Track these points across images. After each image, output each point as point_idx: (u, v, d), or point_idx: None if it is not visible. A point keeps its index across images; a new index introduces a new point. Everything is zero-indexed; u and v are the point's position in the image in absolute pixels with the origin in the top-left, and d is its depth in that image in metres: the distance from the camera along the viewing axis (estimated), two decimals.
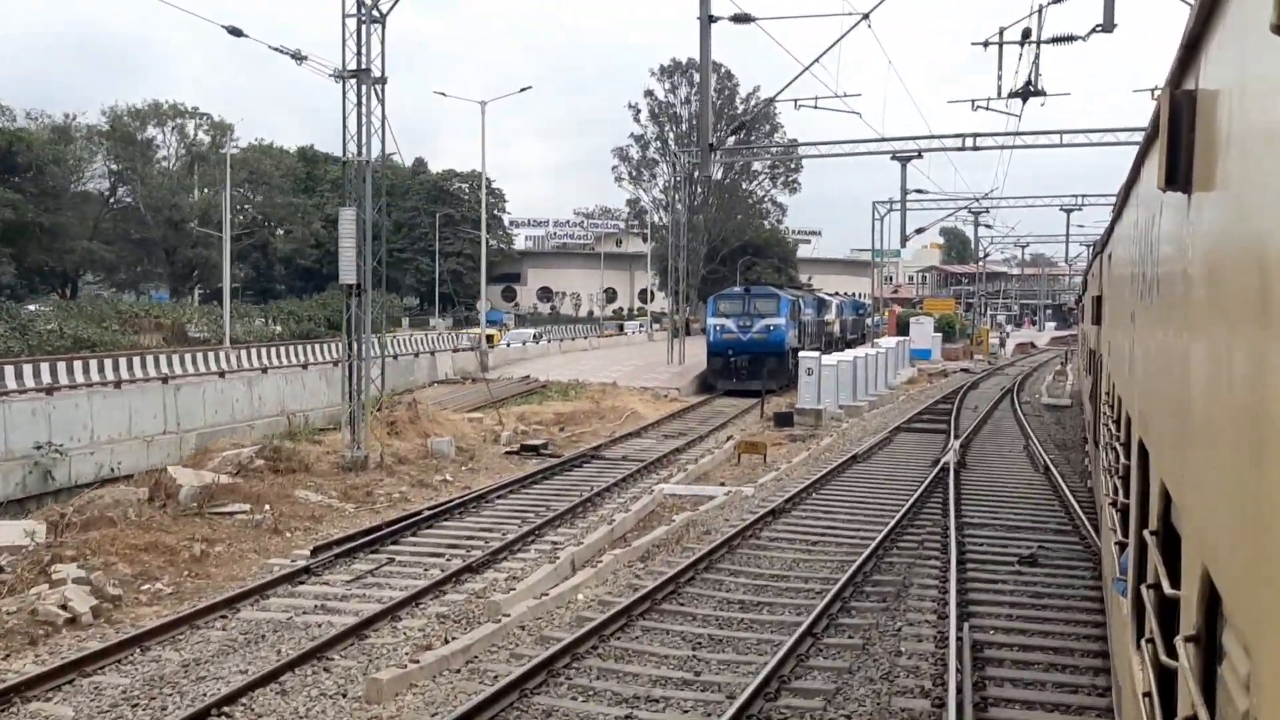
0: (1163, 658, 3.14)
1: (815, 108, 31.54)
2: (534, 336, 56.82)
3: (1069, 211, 62.48)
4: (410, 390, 37.74)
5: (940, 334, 66.76)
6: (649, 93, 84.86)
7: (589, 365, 46.71)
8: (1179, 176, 2.98)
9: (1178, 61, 3.07)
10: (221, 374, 31.83)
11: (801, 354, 31.60)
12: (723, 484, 21.59)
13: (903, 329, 68.80)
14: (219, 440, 26.49)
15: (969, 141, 42.32)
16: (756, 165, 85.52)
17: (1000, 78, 26.72)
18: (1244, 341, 2.09)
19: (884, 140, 43.32)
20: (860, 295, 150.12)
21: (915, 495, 18.70)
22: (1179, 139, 2.93)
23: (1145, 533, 3.99)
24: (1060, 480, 20.69)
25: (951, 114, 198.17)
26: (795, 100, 33.00)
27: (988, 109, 28.49)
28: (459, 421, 27.28)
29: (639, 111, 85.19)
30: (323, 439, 25.22)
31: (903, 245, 43.73)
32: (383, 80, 21.68)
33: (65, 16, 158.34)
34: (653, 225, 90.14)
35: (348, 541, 15.33)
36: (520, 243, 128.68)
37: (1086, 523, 16.46)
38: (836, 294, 79.33)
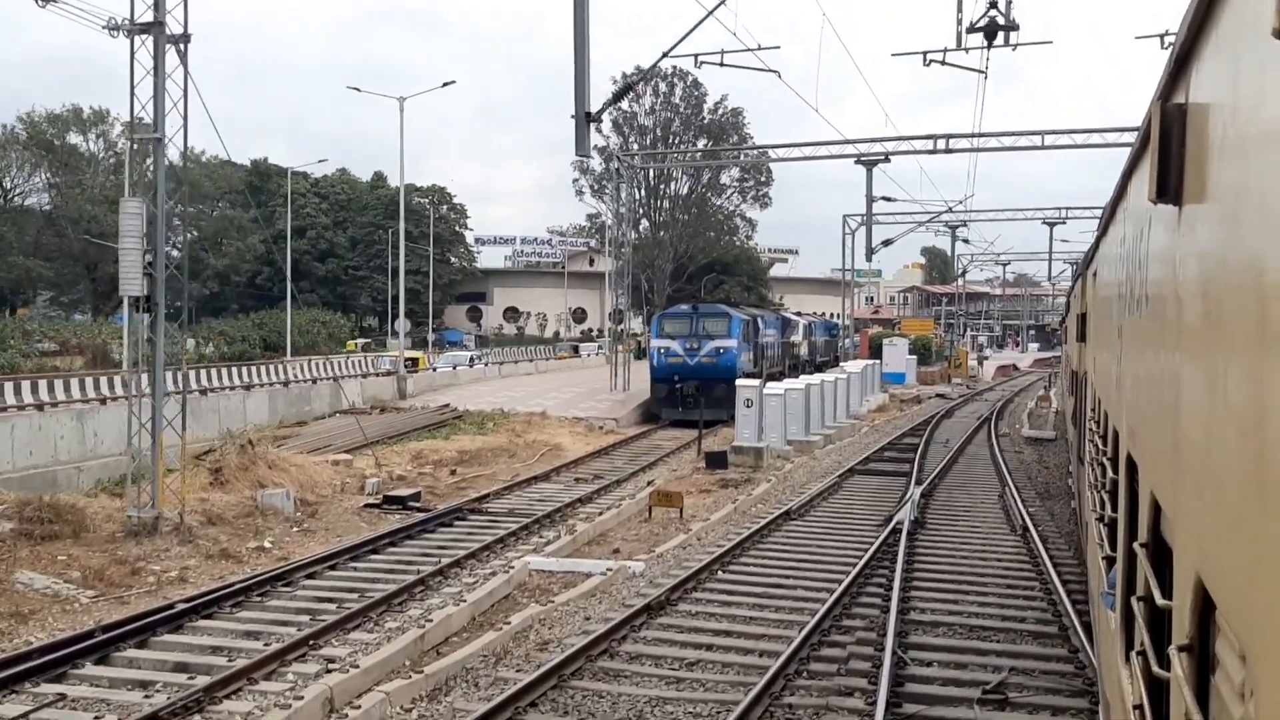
0: (1154, 668, 3.21)
1: (721, 65, 27.09)
2: (471, 359, 52.04)
3: (1052, 225, 58.33)
4: (304, 422, 33.10)
5: (915, 357, 62.39)
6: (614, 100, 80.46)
7: (525, 392, 42.13)
8: (1170, 189, 2.99)
9: (1168, 75, 3.14)
10: (40, 406, 27.06)
11: (739, 383, 27.00)
12: (615, 552, 17.03)
13: (876, 351, 64.44)
14: (34, 489, 21.77)
15: (940, 143, 38.03)
16: (725, 178, 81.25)
17: (960, 10, 22.18)
18: (1237, 352, 2.14)
19: (847, 143, 38.98)
20: (840, 315, 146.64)
21: (850, 577, 14.12)
22: (1170, 151, 2.96)
23: (1135, 545, 4.04)
24: (1042, 548, 16.18)
25: (919, 110, 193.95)
26: (696, 56, 28.62)
27: (944, 62, 23.98)
28: (316, 466, 22.58)
29: (599, 121, 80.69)
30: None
31: (868, 258, 39.34)
32: (185, 38, 17.01)
33: None
34: (618, 242, 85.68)
35: (11, 664, 10.62)
36: (487, 261, 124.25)
37: (1078, 623, 11.94)
38: (810, 314, 74.93)
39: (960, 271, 75.55)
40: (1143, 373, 4.34)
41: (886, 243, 39.31)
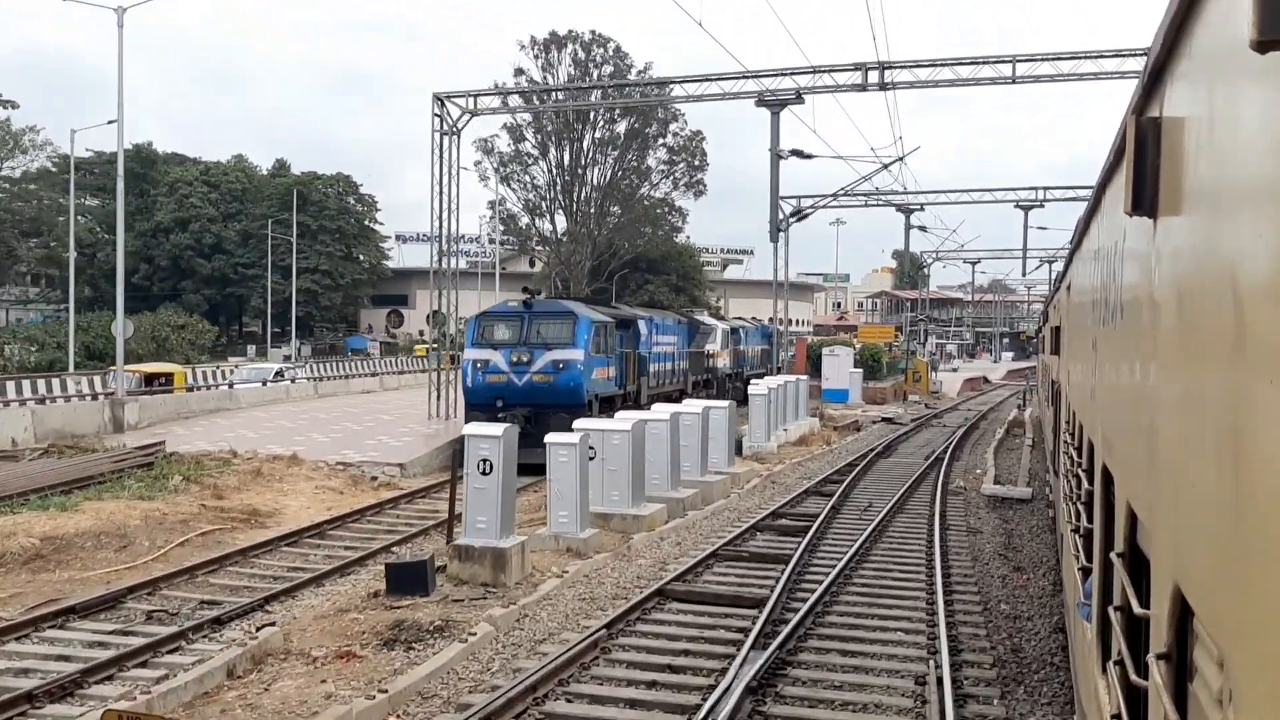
0: (1132, 677, 3.19)
1: None
2: (278, 372, 40.77)
3: (1027, 209, 47.61)
4: None
5: (861, 370, 51.56)
6: (520, 71, 69.40)
7: (311, 420, 31.01)
8: (1145, 202, 3.03)
9: (1143, 89, 3.17)
10: None
11: (469, 433, 15.48)
12: None
13: (817, 364, 53.58)
14: None
15: (873, 76, 27.15)
16: (650, 160, 70.32)
17: None
18: (1211, 363, 2.17)
19: (746, 76, 28.01)
20: (802, 322, 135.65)
21: None
22: (1145, 165, 3.00)
23: (1112, 555, 4.00)
24: None
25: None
26: None
27: None
28: None
29: (506, 96, 69.54)
30: None
31: (774, 238, 28.37)
32: None
33: None
34: (541, 235, 74.53)
35: None
36: (411, 260, 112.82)
37: None
38: (749, 319, 63.82)
39: (917, 266, 64.52)
40: (1118, 384, 4.45)
41: (799, 215, 28.47)
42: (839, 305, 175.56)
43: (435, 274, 33.48)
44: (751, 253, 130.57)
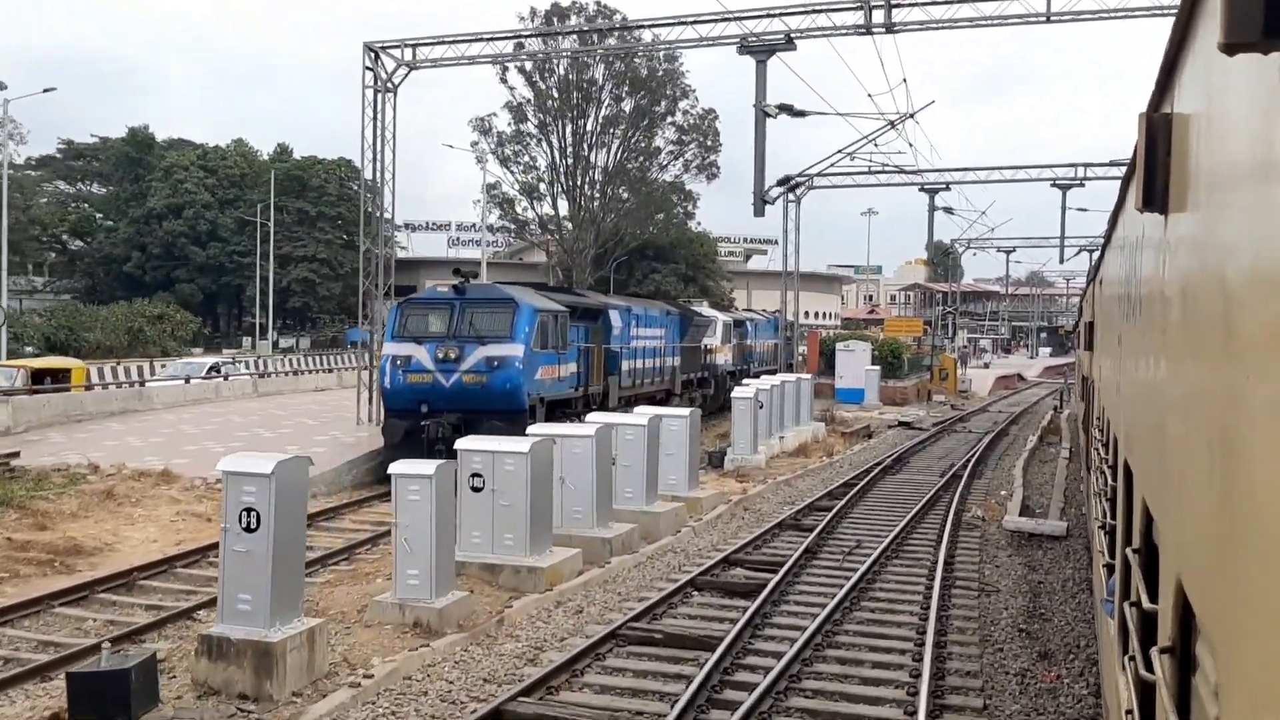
0: (1142, 672, 3.19)
1: None
2: (213, 368, 36.43)
3: (1065, 188, 42.52)
4: None
5: (879, 367, 46.67)
6: (520, 44, 64.68)
7: (222, 425, 26.78)
8: (1156, 198, 3.05)
9: (1156, 86, 3.22)
10: None
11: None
12: None
13: (831, 360, 48.82)
14: None
15: (878, 15, 22.44)
16: (658, 140, 65.62)
17: None
18: (1210, 359, 2.17)
19: (728, 17, 23.35)
20: (830, 315, 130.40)
21: None
22: (1155, 161, 3.01)
23: (1128, 551, 4.11)
24: None
25: None
26: None
27: None
28: None
29: (505, 69, 65.08)
30: None
31: (759, 210, 23.73)
32: None
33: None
34: (540, 221, 70.03)
35: None
36: (421, 249, 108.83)
37: None
38: (760, 311, 58.99)
39: (944, 252, 59.38)
40: (1136, 379, 4.55)
41: (789, 185, 23.59)
42: (870, 298, 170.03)
43: (364, 255, 29.06)
44: (776, 243, 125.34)
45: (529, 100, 65.13)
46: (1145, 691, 3.25)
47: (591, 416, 18.51)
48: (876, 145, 23.77)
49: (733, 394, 26.62)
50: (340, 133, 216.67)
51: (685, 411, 19.80)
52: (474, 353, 21.97)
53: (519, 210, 66.13)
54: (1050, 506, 20.42)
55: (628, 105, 64.99)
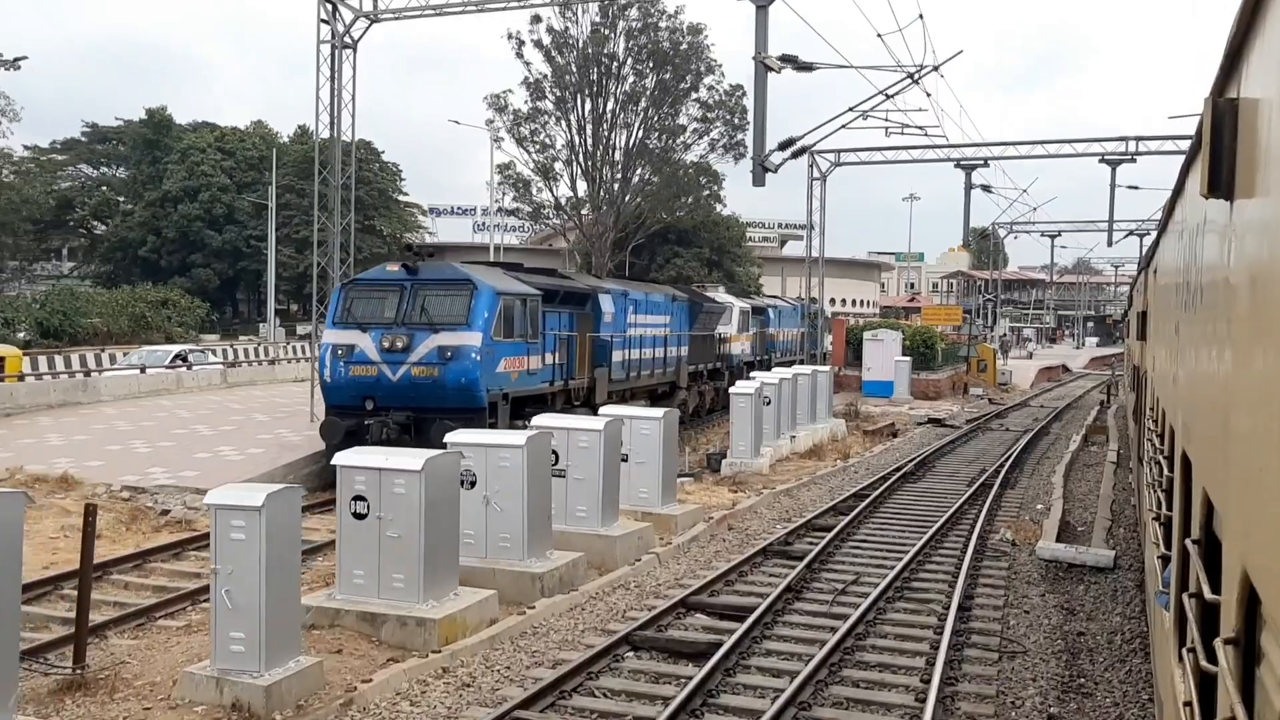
0: (1203, 663, 3.20)
1: None
2: (179, 356, 33.62)
3: (1114, 164, 38.89)
4: None
5: (910, 358, 43.29)
6: (537, 18, 61.81)
7: (164, 420, 24.15)
8: (1221, 184, 3.03)
9: (1220, 70, 3.17)
10: None
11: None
12: None
13: (857, 350, 45.55)
14: None
15: None
16: (682, 118, 62.42)
17: None
18: None
19: None
20: (868, 303, 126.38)
21: None
22: (1221, 146, 2.99)
23: (1187, 541, 4.04)
24: None
25: None
26: None
27: None
28: None
29: (521, 44, 62.07)
30: None
31: (759, 179, 20.52)
32: None
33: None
34: (556, 203, 66.96)
35: None
36: (447, 235, 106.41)
37: None
38: (791, 298, 55.65)
39: (981, 235, 55.66)
40: (1196, 369, 4.42)
41: (792, 149, 20.50)
42: (912, 286, 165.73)
43: (318, 230, 26.28)
44: (813, 228, 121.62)
45: (546, 76, 62.14)
46: (1206, 683, 3.24)
47: (539, 419, 15.53)
48: (893, 101, 20.47)
49: (732, 390, 23.52)
50: (359, 113, 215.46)
51: (658, 412, 16.76)
52: (425, 341, 19.09)
53: (534, 192, 63.13)
54: (1094, 527, 17.21)
55: (650, 81, 61.84)
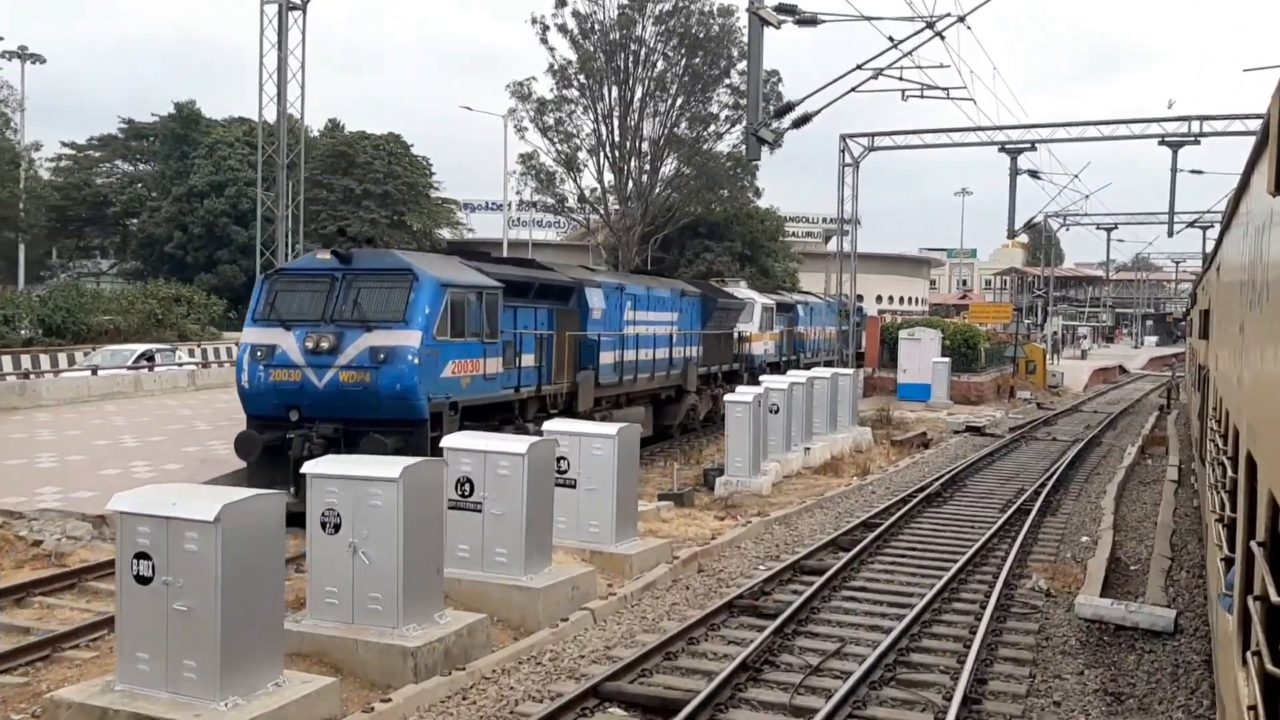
0: (1269, 666, 3.16)
1: None
2: (145, 355, 30.95)
3: (1175, 146, 35.28)
4: None
5: (949, 359, 39.89)
6: (562, 1, 59.06)
7: (95, 430, 21.69)
8: None
9: None
10: None
11: None
12: None
13: (893, 350, 42.21)
14: None
15: None
16: (714, 106, 59.50)
17: None
18: None
19: None
20: (917, 300, 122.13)
21: None
22: None
23: (1252, 544, 3.99)
24: None
25: None
26: None
27: None
28: None
29: (546, 29, 59.33)
30: None
31: (754, 153, 17.26)
32: None
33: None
34: (581, 195, 64.12)
35: None
36: (484, 231, 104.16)
37: None
38: (828, 296, 52.36)
39: (1029, 225, 51.94)
40: (1262, 369, 4.40)
41: (792, 116, 17.48)
42: (964, 283, 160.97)
43: (262, 220, 23.65)
44: (859, 223, 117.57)
45: (571, 62, 59.39)
46: (1271, 686, 3.24)
47: (452, 439, 12.59)
48: (912, 58, 17.38)
49: (727, 398, 20.47)
50: (383, 106, 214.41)
51: (612, 429, 13.79)
52: (355, 342, 16.28)
53: (556, 182, 60.39)
54: (1150, 572, 13.99)
55: (679, 66, 58.92)
